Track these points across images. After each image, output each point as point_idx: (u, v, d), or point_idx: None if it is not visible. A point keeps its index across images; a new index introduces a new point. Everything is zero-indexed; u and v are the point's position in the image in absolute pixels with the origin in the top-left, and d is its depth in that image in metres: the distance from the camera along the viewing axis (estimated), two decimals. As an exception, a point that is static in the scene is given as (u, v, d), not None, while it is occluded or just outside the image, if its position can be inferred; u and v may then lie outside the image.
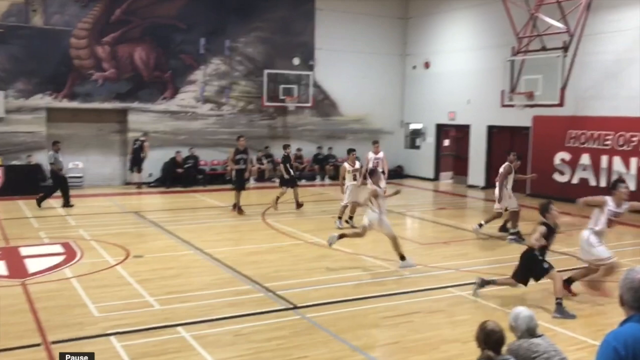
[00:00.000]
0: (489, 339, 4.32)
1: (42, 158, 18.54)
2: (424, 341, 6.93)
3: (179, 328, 7.11)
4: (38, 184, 17.48)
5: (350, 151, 14.31)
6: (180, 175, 20.43)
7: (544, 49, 17.04)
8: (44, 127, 19.20)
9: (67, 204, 15.74)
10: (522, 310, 4.71)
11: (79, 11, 19.55)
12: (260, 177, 21.95)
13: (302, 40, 22.97)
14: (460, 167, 22.77)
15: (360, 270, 10.08)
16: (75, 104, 19.71)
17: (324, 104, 23.69)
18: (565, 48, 16.36)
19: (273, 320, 7.50)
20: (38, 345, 6.58)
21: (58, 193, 15.89)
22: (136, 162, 19.74)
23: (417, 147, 24.10)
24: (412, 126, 24.94)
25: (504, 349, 4.44)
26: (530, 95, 17.05)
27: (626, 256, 11.47)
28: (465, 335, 6.64)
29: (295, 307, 7.97)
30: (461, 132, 22.69)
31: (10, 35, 18.55)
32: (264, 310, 7.87)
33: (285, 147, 16.46)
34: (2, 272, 9.59)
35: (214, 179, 21.24)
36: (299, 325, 7.37)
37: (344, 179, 13.97)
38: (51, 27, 19.14)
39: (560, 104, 16.60)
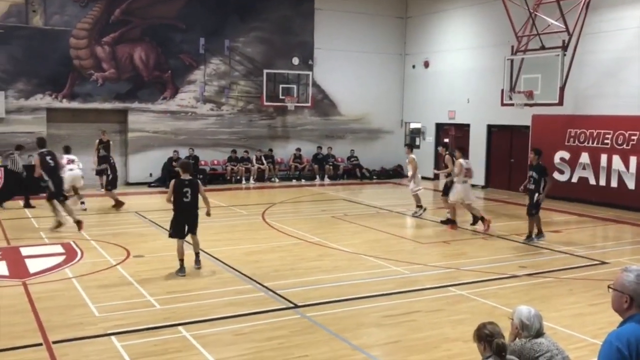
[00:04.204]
0: (491, 344, 4.27)
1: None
2: (424, 340, 6.95)
3: (180, 328, 7.12)
4: (38, 184, 17.44)
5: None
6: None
7: (543, 48, 17.05)
8: (44, 127, 19.20)
9: (27, 204, 15.83)
10: (531, 309, 4.68)
11: (78, 11, 19.55)
12: (260, 177, 21.95)
13: (301, 40, 22.98)
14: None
15: (360, 269, 10.09)
16: (75, 104, 19.72)
17: (324, 104, 23.70)
18: (564, 47, 16.37)
19: (273, 320, 7.52)
20: (39, 345, 6.59)
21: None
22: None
23: (417, 147, 24.11)
24: (412, 125, 24.95)
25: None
26: (529, 94, 17.06)
27: (625, 255, 11.50)
28: (466, 334, 6.64)
29: (296, 307, 7.99)
30: (460, 131, 22.70)
31: (10, 35, 18.55)
32: (264, 309, 7.88)
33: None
34: (3, 272, 9.61)
35: (214, 178, 21.25)
36: (299, 324, 7.39)
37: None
38: (51, 27, 19.15)
39: (560, 103, 16.61)
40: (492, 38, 20.58)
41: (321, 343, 6.78)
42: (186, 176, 9.59)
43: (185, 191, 9.47)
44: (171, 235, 9.68)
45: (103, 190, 16.92)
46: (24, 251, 10.93)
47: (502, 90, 18.14)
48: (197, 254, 9.86)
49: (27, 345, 6.58)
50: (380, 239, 12.77)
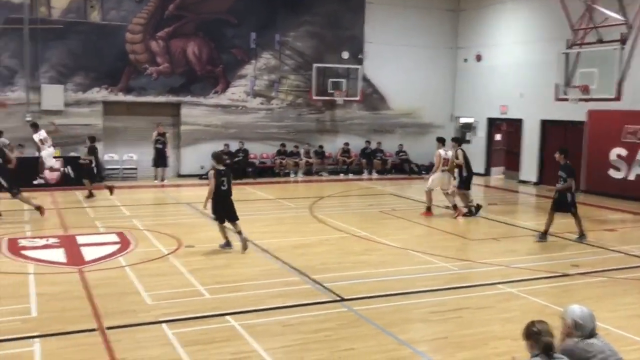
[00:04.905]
0: (539, 342, 4.21)
1: (99, 150, 19.14)
2: (472, 337, 6.88)
3: (229, 317, 7.25)
4: (93, 174, 18.02)
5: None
6: (231, 168, 20.70)
7: (600, 41, 16.54)
8: (101, 120, 19.79)
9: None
10: (584, 308, 4.57)
11: (134, 7, 20.04)
12: (308, 171, 22.08)
13: (351, 34, 22.94)
14: (512, 162, 22.35)
15: (407, 264, 10.05)
16: (130, 98, 20.23)
17: (373, 98, 23.61)
18: (623, 40, 15.84)
19: (321, 312, 7.57)
20: (94, 330, 6.82)
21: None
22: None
23: (468, 142, 23.75)
24: (463, 120, 24.60)
25: (558, 348, 4.34)
26: (585, 89, 16.59)
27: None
28: (515, 332, 6.53)
29: (343, 300, 8.02)
30: (513, 127, 22.27)
31: (70, 31, 19.16)
32: (311, 301, 7.94)
33: None
34: (60, 259, 9.97)
35: (263, 172, 21.48)
36: (346, 317, 7.42)
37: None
38: (108, 22, 19.69)
39: (617, 98, 16.09)
40: (546, 31, 20.07)
41: (368, 337, 6.80)
42: (220, 166, 10.32)
43: (222, 180, 10.28)
44: (216, 219, 10.54)
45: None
46: (81, 239, 11.30)
47: (557, 85, 17.70)
48: (239, 233, 10.44)
49: (82, 330, 6.82)
50: (428, 234, 12.68)
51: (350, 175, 22.37)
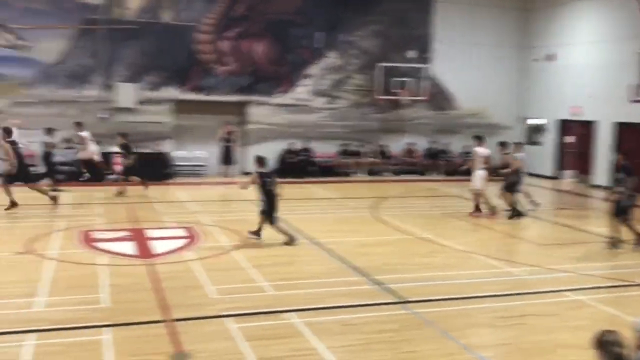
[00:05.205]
0: (610, 353, 4.06)
1: (168, 147, 19.81)
2: (539, 344, 6.70)
3: (291, 314, 7.33)
4: (163, 170, 18.65)
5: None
6: (294, 167, 20.92)
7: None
8: (171, 117, 20.38)
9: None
10: None
11: (204, 7, 20.53)
12: (372, 170, 22.01)
13: (418, 32, 22.71)
14: (583, 165, 21.57)
15: (472, 268, 9.88)
16: (199, 97, 20.73)
17: (439, 98, 23.29)
18: None
19: (383, 313, 7.55)
20: (161, 322, 7.04)
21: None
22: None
23: (537, 144, 23.09)
24: (532, 121, 23.93)
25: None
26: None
27: None
28: (584, 340, 6.32)
29: (406, 302, 7.96)
30: (585, 129, 21.49)
31: (143, 31, 19.82)
32: (374, 302, 7.93)
33: None
34: (131, 252, 10.33)
35: (325, 171, 21.56)
36: (408, 319, 7.36)
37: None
38: (179, 23, 20.26)
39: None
40: (622, 31, 19.25)
41: (430, 340, 6.73)
42: (263, 169, 10.95)
43: (266, 181, 10.85)
44: (267, 220, 10.96)
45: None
46: (150, 233, 11.67)
47: (633, 86, 16.95)
48: (260, 229, 11.02)
49: (150, 321, 7.05)
50: (493, 237, 12.42)
51: (415, 176, 22.16)
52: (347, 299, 8.04)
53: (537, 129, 23.57)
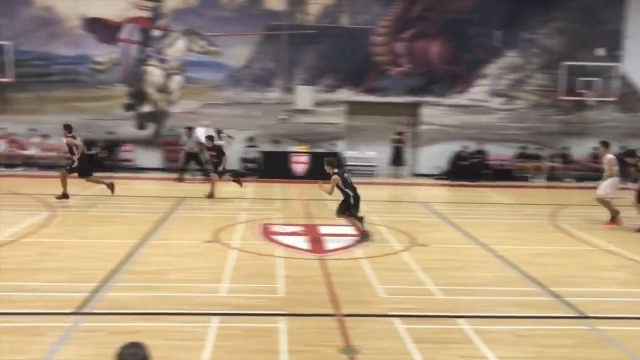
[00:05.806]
0: None
1: (341, 147, 20.40)
2: None
3: (460, 320, 7.18)
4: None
5: None
6: (466, 170, 20.45)
7: None
8: (344, 118, 20.96)
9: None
10: None
11: (381, 10, 20.83)
12: (552, 176, 20.80)
13: (608, 28, 21.02)
14: None
15: (665, 286, 8.95)
16: (372, 98, 21.08)
17: (631, 99, 21.37)
18: None
19: (558, 327, 7.12)
20: (332, 315, 7.27)
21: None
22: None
23: None
24: None
25: None
26: None
27: None
28: None
29: (585, 317, 7.43)
30: None
31: (322, 35, 20.62)
32: (549, 314, 7.50)
33: None
34: (304, 246, 10.81)
35: (501, 175, 20.78)
36: (587, 336, 6.87)
37: None
38: (356, 26, 20.76)
39: None
40: None
41: (612, 360, 6.22)
42: (334, 170, 11.15)
43: (347, 180, 11.09)
44: (350, 215, 11.22)
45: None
46: (323, 229, 12.11)
47: None
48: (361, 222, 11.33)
49: (322, 314, 7.32)
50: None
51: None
52: (520, 309, 7.70)
53: None
